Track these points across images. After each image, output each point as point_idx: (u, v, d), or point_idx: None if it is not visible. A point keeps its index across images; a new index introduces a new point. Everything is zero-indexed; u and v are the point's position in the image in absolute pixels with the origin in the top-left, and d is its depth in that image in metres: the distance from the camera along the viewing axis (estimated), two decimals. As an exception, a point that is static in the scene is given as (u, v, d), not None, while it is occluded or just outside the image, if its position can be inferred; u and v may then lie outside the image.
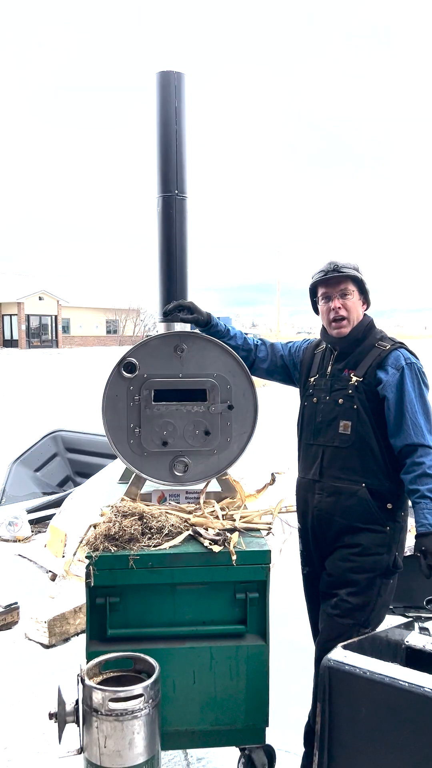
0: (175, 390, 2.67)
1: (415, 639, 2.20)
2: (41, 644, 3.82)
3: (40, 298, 48.79)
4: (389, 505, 2.31)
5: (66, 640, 3.88)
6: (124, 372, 2.66)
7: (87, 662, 2.24)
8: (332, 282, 2.41)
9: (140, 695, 2.05)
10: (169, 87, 3.02)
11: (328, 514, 2.39)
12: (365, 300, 2.49)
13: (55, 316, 50.51)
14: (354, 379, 2.35)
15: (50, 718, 2.15)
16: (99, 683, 2.16)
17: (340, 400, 2.39)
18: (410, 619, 2.42)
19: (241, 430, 2.71)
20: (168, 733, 2.42)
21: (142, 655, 2.23)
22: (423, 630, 2.42)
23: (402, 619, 2.36)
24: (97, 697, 2.04)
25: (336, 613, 2.30)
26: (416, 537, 2.19)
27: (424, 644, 2.16)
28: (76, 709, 2.14)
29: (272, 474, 2.73)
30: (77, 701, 2.13)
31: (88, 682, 2.10)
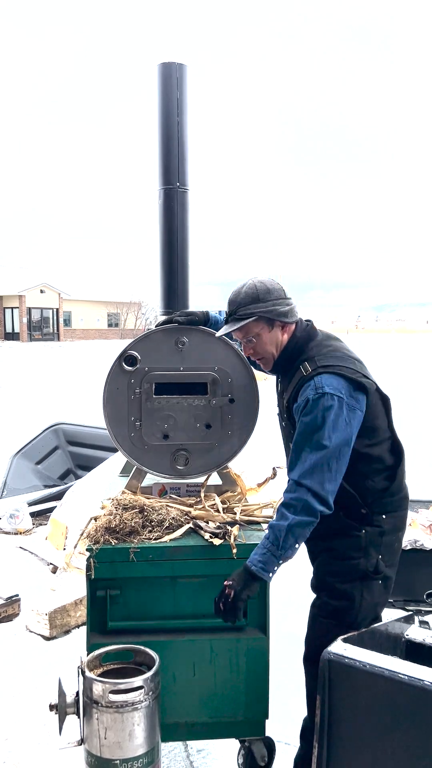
0: (176, 383, 2.66)
1: (414, 632, 2.20)
2: (42, 636, 3.83)
3: (41, 291, 48.76)
4: (363, 510, 2.20)
5: (67, 632, 3.89)
6: (125, 365, 2.65)
7: (87, 654, 2.24)
8: (236, 332, 2.31)
9: (140, 687, 2.06)
10: (171, 78, 3.01)
11: None
12: (281, 322, 2.25)
13: (57, 309, 50.50)
14: (286, 404, 2.28)
15: (51, 710, 2.16)
16: (99, 675, 2.17)
17: (284, 423, 2.36)
18: (410, 612, 2.42)
19: (242, 423, 2.70)
20: (168, 724, 2.43)
21: (142, 648, 2.23)
22: (423, 623, 2.43)
23: (402, 613, 2.36)
24: (98, 689, 2.04)
25: (320, 614, 2.27)
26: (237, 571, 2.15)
27: (423, 638, 2.17)
28: (77, 701, 2.15)
29: (273, 468, 2.73)
30: (77, 693, 2.14)
31: (88, 674, 2.10)
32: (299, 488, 2.06)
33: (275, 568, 2.10)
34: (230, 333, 2.31)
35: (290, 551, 2.09)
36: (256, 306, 2.22)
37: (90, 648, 2.37)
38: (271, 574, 2.11)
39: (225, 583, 2.16)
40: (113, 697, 2.03)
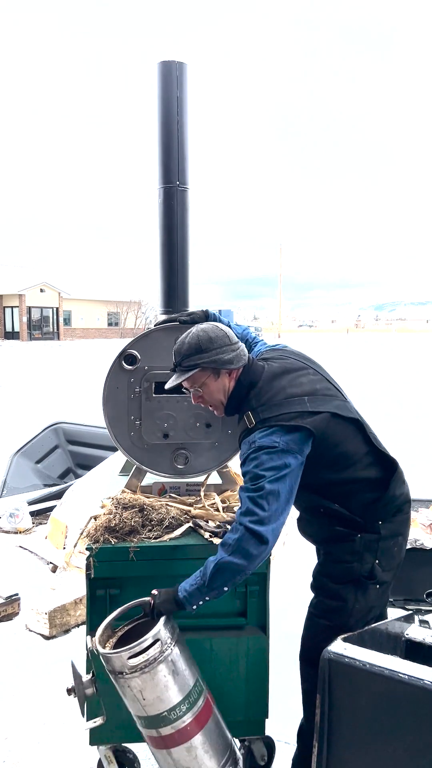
0: (176, 382, 2.66)
1: (414, 632, 2.20)
2: (42, 635, 3.83)
3: (41, 290, 48.76)
4: (358, 519, 2.19)
5: (67, 631, 3.89)
6: (125, 364, 2.65)
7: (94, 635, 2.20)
8: (182, 383, 2.29)
9: (156, 641, 2.02)
10: (171, 77, 3.00)
11: (306, 533, 2.39)
12: (227, 369, 2.23)
13: (57, 308, 50.50)
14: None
15: (69, 694, 2.14)
16: (116, 643, 2.15)
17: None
18: (410, 611, 2.42)
19: (242, 422, 2.70)
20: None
21: (145, 599, 2.19)
22: (423, 623, 2.42)
23: (402, 612, 2.36)
24: (116, 662, 2.02)
25: (315, 613, 2.27)
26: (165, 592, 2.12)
27: (423, 637, 2.17)
28: (94, 680, 2.13)
29: None
30: (92, 672, 2.12)
31: (102, 651, 2.06)
32: (238, 528, 2.03)
33: (200, 602, 2.08)
34: (179, 384, 2.28)
35: (216, 591, 2.05)
36: (199, 357, 2.21)
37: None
38: (194, 607, 2.09)
39: (153, 591, 2.15)
40: (134, 662, 2.00)
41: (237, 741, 2.58)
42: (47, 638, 3.81)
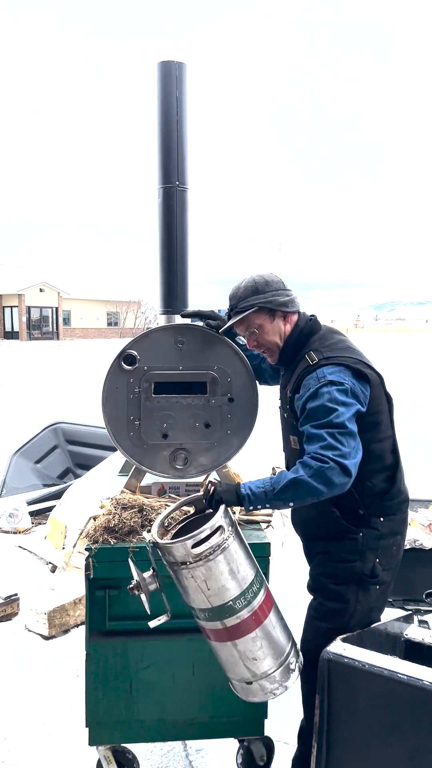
0: (176, 382, 2.66)
1: (413, 632, 2.21)
2: (41, 635, 3.83)
3: (40, 290, 48.74)
4: (360, 512, 2.19)
5: (66, 631, 3.89)
6: (124, 364, 2.65)
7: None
8: (238, 325, 2.35)
9: (219, 527, 2.01)
10: (170, 77, 3.00)
11: (301, 523, 2.37)
12: (283, 312, 2.30)
13: (56, 308, 50.48)
14: (289, 394, 2.27)
15: (131, 591, 2.11)
16: (172, 537, 2.14)
17: (286, 415, 2.35)
18: (409, 612, 2.42)
19: (241, 422, 2.70)
20: (167, 724, 2.43)
21: (198, 494, 2.19)
22: (422, 623, 2.43)
23: (401, 612, 2.36)
24: (179, 552, 2.00)
25: (315, 616, 2.26)
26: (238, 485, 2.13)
27: (422, 637, 2.17)
28: (155, 575, 2.11)
29: (273, 468, 2.73)
30: (153, 568, 2.10)
31: (164, 542, 2.05)
32: (323, 457, 2.00)
33: (259, 506, 2.07)
34: (233, 328, 2.34)
35: (281, 502, 2.05)
36: (255, 297, 2.27)
37: (90, 647, 2.37)
38: (251, 507, 2.08)
39: (210, 480, 2.15)
40: (198, 550, 1.98)
41: (236, 741, 2.59)
42: (46, 638, 3.81)
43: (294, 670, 2.12)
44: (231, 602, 2.01)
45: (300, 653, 2.18)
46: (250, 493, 2.06)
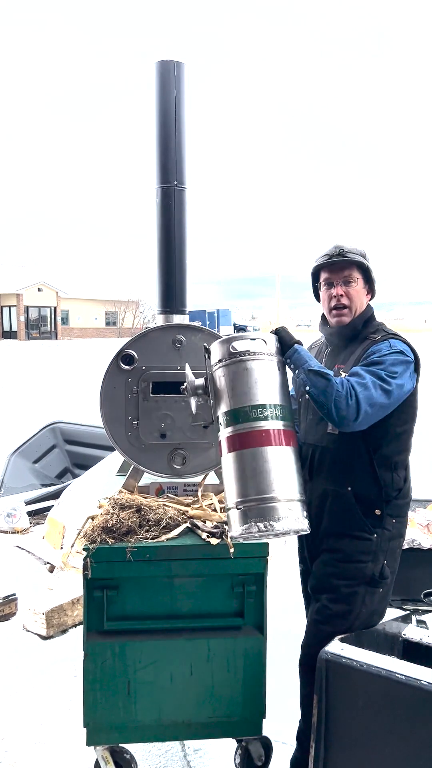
0: (174, 382, 2.66)
1: (412, 632, 2.21)
2: (39, 635, 3.82)
3: (39, 290, 48.70)
4: (377, 511, 2.19)
5: (64, 631, 3.89)
6: (122, 364, 2.65)
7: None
8: (336, 267, 2.30)
9: (262, 340, 2.15)
10: (169, 76, 2.99)
11: (316, 517, 2.28)
12: (370, 289, 2.36)
13: (54, 308, 50.44)
14: (343, 374, 2.21)
15: (182, 392, 2.28)
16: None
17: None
18: (407, 612, 2.42)
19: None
20: (165, 724, 2.43)
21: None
22: (420, 623, 2.43)
23: (399, 612, 2.36)
24: (223, 348, 2.15)
25: (318, 619, 2.25)
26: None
27: (421, 637, 2.17)
28: (206, 379, 2.21)
29: None
30: (206, 374, 2.21)
31: (213, 344, 2.20)
32: (353, 391, 2.06)
33: (295, 363, 2.16)
34: (335, 263, 2.32)
35: (305, 378, 2.12)
36: (364, 258, 2.33)
37: (88, 647, 2.37)
38: (290, 359, 2.17)
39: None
40: (236, 347, 2.13)
41: (234, 741, 2.59)
42: (44, 638, 3.80)
43: (288, 518, 2.02)
44: (248, 408, 2.08)
45: (305, 508, 2.11)
46: (299, 349, 2.18)
